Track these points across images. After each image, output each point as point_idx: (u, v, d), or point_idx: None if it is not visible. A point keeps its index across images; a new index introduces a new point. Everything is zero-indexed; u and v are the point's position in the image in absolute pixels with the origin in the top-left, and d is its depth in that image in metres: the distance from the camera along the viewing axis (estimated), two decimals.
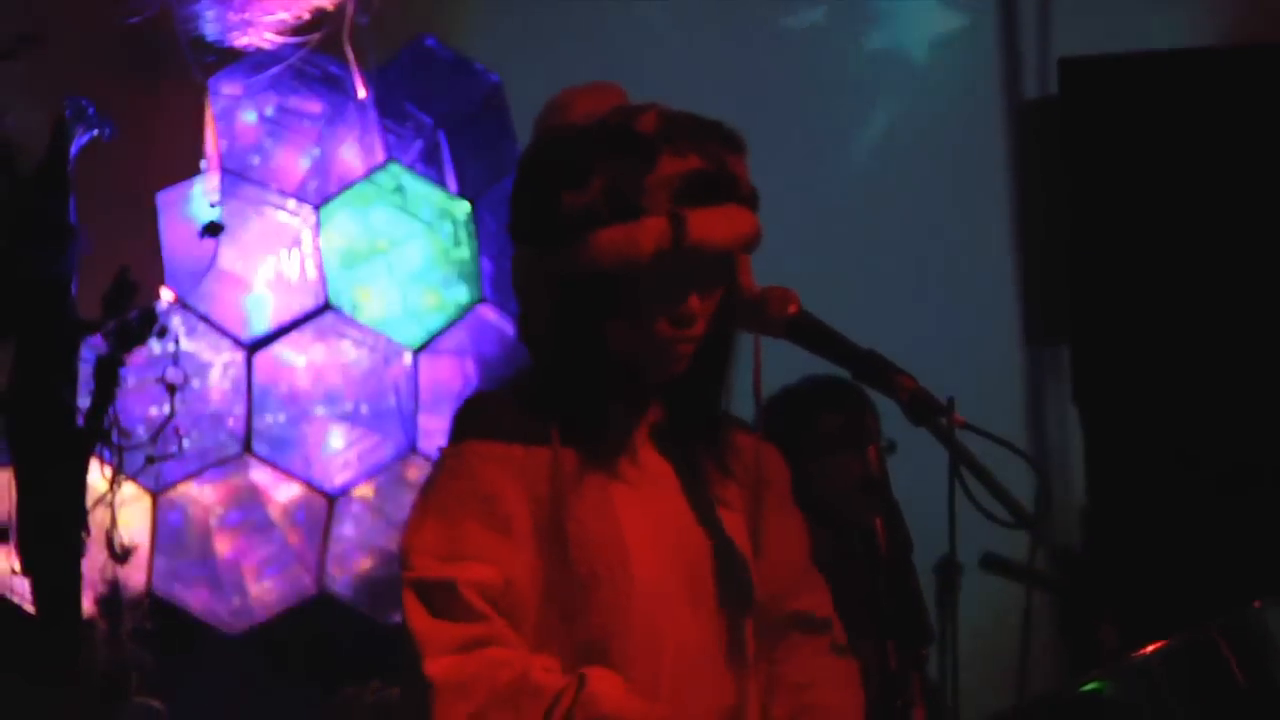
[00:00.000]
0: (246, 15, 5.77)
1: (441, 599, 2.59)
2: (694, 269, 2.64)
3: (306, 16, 5.77)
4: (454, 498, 2.67)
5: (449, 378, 5.87)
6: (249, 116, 5.91)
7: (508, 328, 5.76)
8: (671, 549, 2.73)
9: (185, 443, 5.49)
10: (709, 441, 2.81)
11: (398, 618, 5.52)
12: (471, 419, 2.74)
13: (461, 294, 5.85)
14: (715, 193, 2.65)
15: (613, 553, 2.68)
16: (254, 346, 5.67)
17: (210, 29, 5.83)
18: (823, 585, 2.87)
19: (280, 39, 5.83)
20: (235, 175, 5.82)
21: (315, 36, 5.84)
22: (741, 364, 2.81)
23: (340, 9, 5.83)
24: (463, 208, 5.88)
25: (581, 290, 2.65)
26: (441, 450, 2.76)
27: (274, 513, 5.76)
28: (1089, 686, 2.48)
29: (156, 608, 5.55)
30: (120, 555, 5.40)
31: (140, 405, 5.55)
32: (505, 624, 2.61)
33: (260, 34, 5.82)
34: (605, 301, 2.65)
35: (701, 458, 2.81)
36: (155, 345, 5.50)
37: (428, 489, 2.72)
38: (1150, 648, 2.48)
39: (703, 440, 2.81)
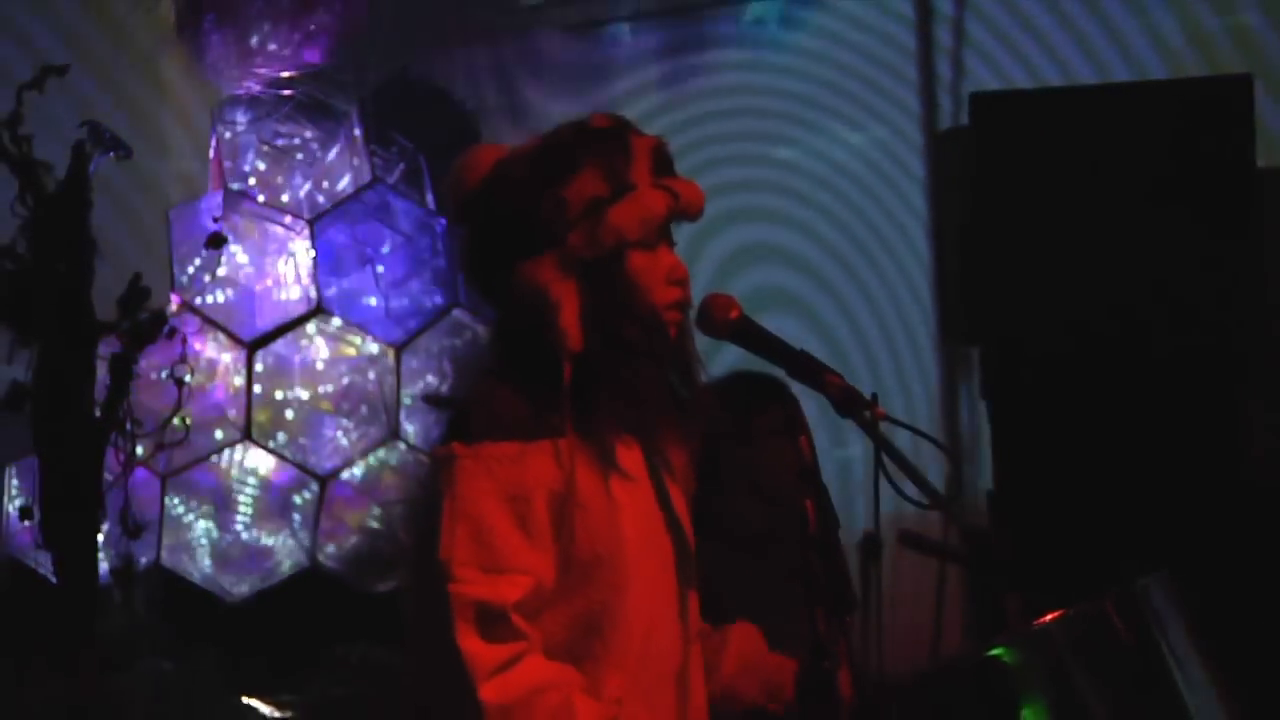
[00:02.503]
0: (250, 52, 5.76)
1: (490, 621, 2.50)
2: (665, 233, 2.67)
3: (303, 54, 5.77)
4: (482, 502, 2.56)
5: (427, 374, 5.85)
6: (250, 141, 5.92)
7: (479, 329, 5.78)
8: (650, 531, 2.69)
9: (191, 431, 5.47)
10: (674, 421, 2.75)
11: (381, 587, 5.59)
12: (482, 418, 2.61)
13: (438, 298, 5.86)
14: (672, 165, 2.69)
15: (612, 536, 2.63)
16: (254, 345, 5.67)
17: (217, 64, 5.83)
18: None
19: (279, 73, 5.84)
20: (238, 193, 5.81)
21: (311, 71, 5.86)
22: None
23: (335, 46, 5.85)
24: (440, 222, 5.87)
25: (601, 271, 2.60)
26: (450, 447, 2.60)
27: (270, 493, 5.76)
28: (995, 651, 2.47)
29: (165, 578, 5.55)
30: (132, 532, 5.38)
31: (151, 398, 5.51)
32: (538, 633, 2.55)
33: (262, 69, 5.82)
34: (620, 274, 2.62)
35: (667, 442, 2.75)
36: (165, 344, 5.47)
37: (450, 492, 2.57)
38: (1050, 616, 2.48)
39: (668, 421, 2.74)
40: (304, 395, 5.80)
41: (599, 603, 2.62)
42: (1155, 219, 4.98)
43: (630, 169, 2.63)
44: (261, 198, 5.86)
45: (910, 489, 2.50)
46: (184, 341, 5.51)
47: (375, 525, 5.78)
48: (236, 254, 5.83)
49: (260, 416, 5.67)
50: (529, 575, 2.55)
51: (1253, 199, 4.94)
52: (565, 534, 2.59)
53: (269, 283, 5.86)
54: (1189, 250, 4.95)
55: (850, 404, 2.52)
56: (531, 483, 2.57)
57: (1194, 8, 5.51)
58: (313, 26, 5.72)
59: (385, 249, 5.89)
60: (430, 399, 5.68)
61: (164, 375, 5.50)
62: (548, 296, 2.60)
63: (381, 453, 5.73)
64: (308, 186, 5.93)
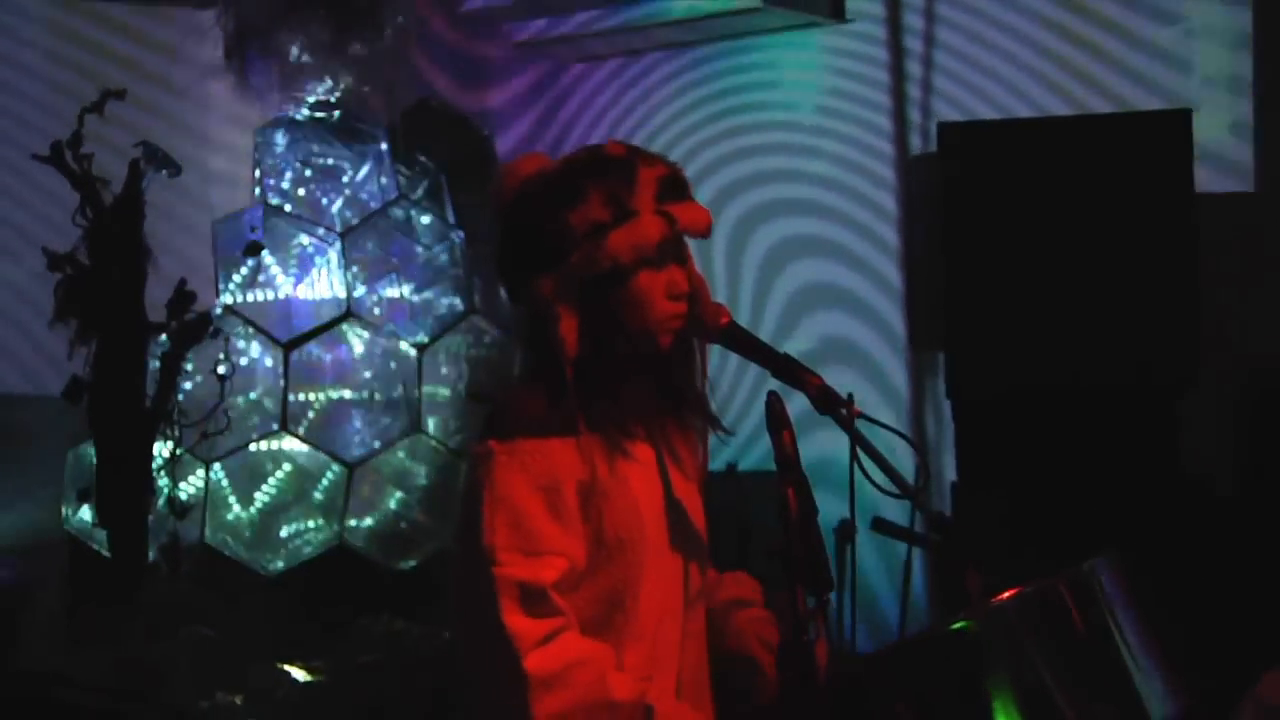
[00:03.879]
0: (290, 79, 5.75)
1: (532, 598, 2.52)
2: (671, 252, 2.65)
3: (336, 81, 5.76)
4: (518, 492, 2.57)
5: (447, 373, 5.85)
6: (289, 160, 5.90)
7: (495, 332, 5.78)
8: (661, 514, 2.70)
9: (232, 422, 5.48)
10: (677, 416, 2.76)
11: (402, 564, 5.59)
12: (515, 418, 2.63)
13: (457, 304, 5.85)
14: (681, 191, 2.68)
15: (633, 520, 2.64)
16: (289, 345, 5.65)
17: (260, 89, 5.81)
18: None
19: (316, 99, 5.83)
20: (276, 207, 5.82)
21: (344, 97, 5.85)
22: None
23: (364, 76, 5.83)
24: (459, 235, 5.87)
25: (601, 287, 2.61)
26: (488, 444, 2.62)
27: (304, 479, 5.75)
28: (957, 625, 2.45)
29: (208, 554, 5.55)
30: (179, 512, 5.38)
31: (197, 391, 5.53)
32: (571, 609, 2.56)
33: (300, 94, 5.81)
34: (616, 291, 2.62)
35: (671, 434, 2.76)
36: (209, 342, 5.48)
37: (489, 484, 2.58)
38: (1007, 594, 2.45)
39: (676, 417, 2.76)
40: (334, 391, 5.78)
41: (621, 580, 2.63)
42: (1105, 239, 5.00)
43: (633, 197, 2.62)
44: (296, 211, 5.85)
45: (882, 479, 2.51)
46: (226, 340, 5.52)
47: (397, 508, 5.79)
48: (274, 262, 5.83)
49: (295, 409, 5.66)
50: (563, 557, 2.56)
51: (1191, 221, 4.97)
52: (593, 519, 2.61)
53: (304, 288, 5.85)
54: (1135, 267, 4.97)
55: (828, 403, 2.52)
56: (561, 474, 2.58)
57: (1143, 47, 5.52)
58: (347, 56, 5.72)
59: (409, 259, 5.89)
60: (474, 395, 5.67)
61: (209, 371, 5.49)
62: (550, 309, 2.61)
63: (405, 443, 5.71)
64: (340, 201, 5.92)
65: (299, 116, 5.82)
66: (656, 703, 2.54)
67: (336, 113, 5.83)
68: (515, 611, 2.51)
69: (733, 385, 5.57)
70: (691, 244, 2.71)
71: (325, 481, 5.70)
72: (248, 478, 5.71)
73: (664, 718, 2.53)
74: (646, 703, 2.53)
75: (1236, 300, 5.14)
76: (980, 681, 2.39)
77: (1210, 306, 4.96)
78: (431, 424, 5.74)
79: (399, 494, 5.78)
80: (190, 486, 5.56)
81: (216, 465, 5.60)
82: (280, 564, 5.60)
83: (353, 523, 5.65)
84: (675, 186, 2.68)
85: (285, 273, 5.85)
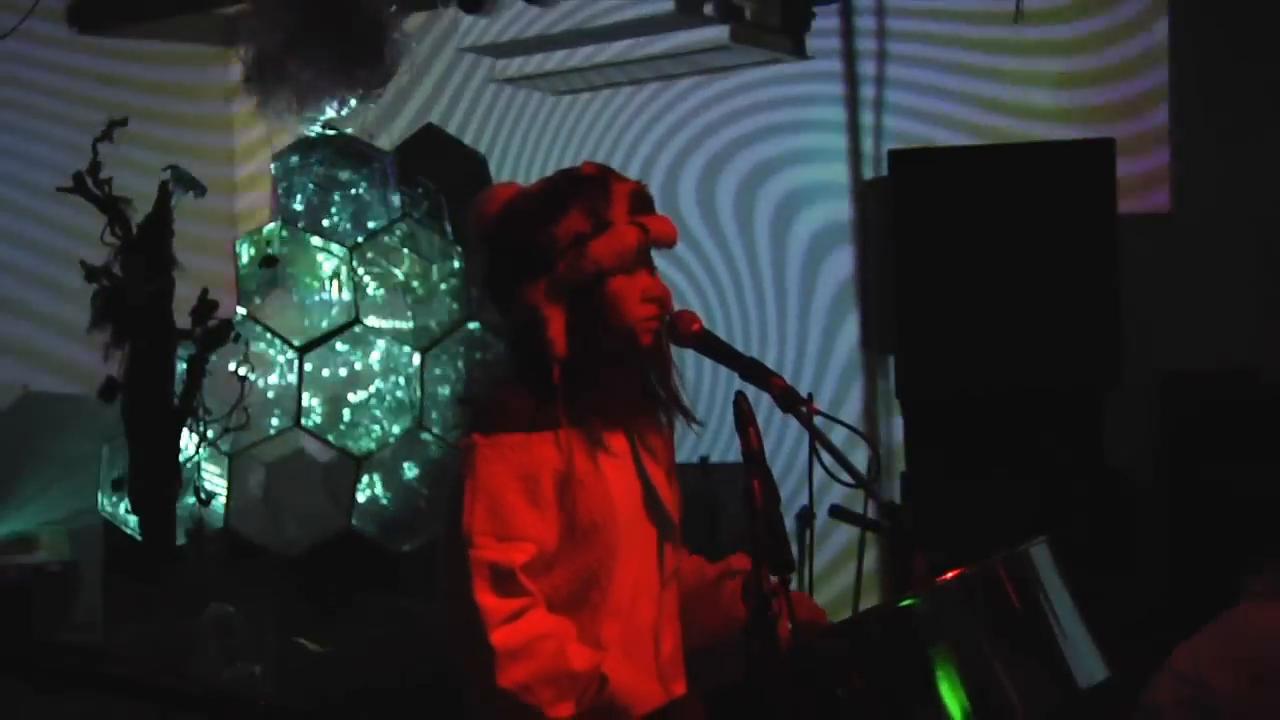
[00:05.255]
0: (304, 104, 5.74)
1: (501, 579, 2.53)
2: (643, 260, 2.67)
3: (345, 111, 5.76)
4: (498, 482, 2.59)
5: (446, 375, 5.85)
6: (303, 180, 5.88)
7: (489, 337, 5.77)
8: (634, 500, 2.72)
9: (251, 418, 5.47)
10: (651, 412, 2.78)
11: (405, 547, 5.57)
12: (499, 415, 2.65)
13: (457, 313, 5.84)
14: (650, 205, 2.72)
15: (606, 506, 2.65)
16: (304, 349, 5.64)
17: (277, 113, 5.80)
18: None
19: (328, 122, 5.83)
20: (291, 224, 5.81)
21: (352, 123, 5.85)
22: None
23: (370, 104, 5.84)
24: (457, 250, 5.87)
25: (584, 293, 2.63)
26: (472, 438, 2.63)
27: (316, 470, 5.74)
28: (906, 602, 2.47)
29: (230, 538, 5.54)
30: (204, 500, 5.38)
31: (219, 391, 5.50)
32: (539, 590, 2.58)
33: (314, 118, 5.80)
34: (601, 294, 2.64)
35: (646, 428, 2.77)
36: (231, 346, 5.48)
37: (473, 474, 2.60)
38: (951, 574, 2.46)
39: (650, 413, 2.77)
40: (344, 390, 5.77)
41: (596, 560, 2.65)
42: (1038, 255, 5.01)
43: (609, 209, 2.65)
44: (310, 226, 5.84)
45: (839, 471, 2.51)
46: (246, 345, 5.51)
47: (401, 497, 5.77)
48: (290, 273, 5.82)
49: (308, 407, 5.66)
50: (534, 543, 2.58)
51: (1113, 241, 5.00)
52: (569, 506, 2.63)
53: (317, 297, 5.84)
54: (1064, 281, 5.00)
55: (790, 401, 2.52)
56: (539, 465, 2.60)
57: (1071, 82, 5.56)
58: (354, 80, 5.69)
59: (411, 271, 5.88)
60: (461, 400, 5.65)
61: (230, 372, 5.48)
62: (539, 313, 2.64)
63: (408, 437, 5.70)
64: (349, 218, 5.91)
65: (312, 133, 5.82)
66: (611, 672, 2.56)
67: (348, 129, 5.82)
68: (486, 590, 2.53)
69: (704, 385, 5.57)
70: (667, 255, 2.74)
71: (336, 474, 5.68)
72: (266, 469, 5.69)
73: (617, 685, 2.55)
74: (602, 672, 2.55)
75: (1153, 312, 5.18)
76: (926, 652, 2.40)
77: (1130, 317, 5.00)
78: (434, 420, 5.72)
79: (402, 483, 5.76)
80: (213, 476, 5.55)
81: (237, 458, 5.57)
82: (295, 547, 5.59)
83: (360, 510, 5.64)
84: (644, 201, 2.72)
85: (299, 282, 5.85)
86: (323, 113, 5.75)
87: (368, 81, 5.70)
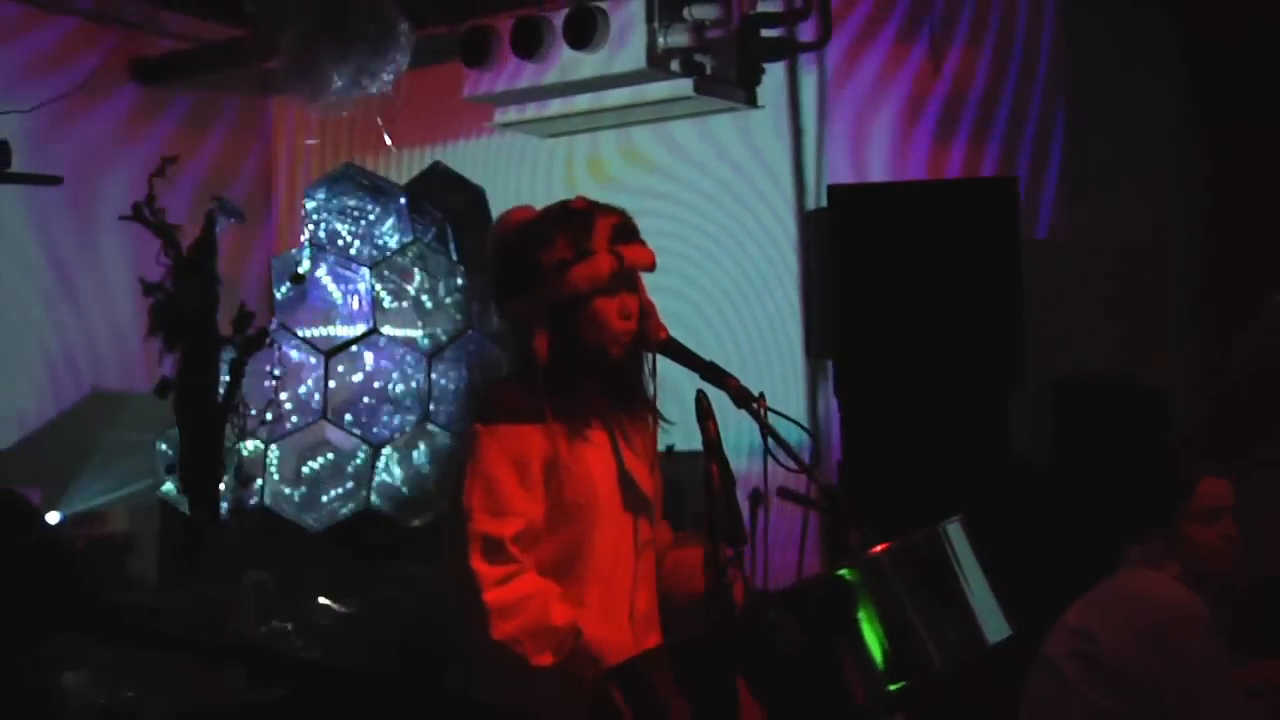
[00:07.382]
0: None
1: (493, 548, 2.54)
2: (623, 282, 2.67)
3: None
4: (494, 465, 2.58)
5: (450, 375, 5.86)
6: (329, 210, 5.88)
7: (488, 345, 5.77)
8: (613, 482, 2.71)
9: (284, 413, 5.49)
10: (630, 408, 2.77)
11: (416, 522, 5.55)
12: (498, 405, 2.64)
13: (460, 323, 5.84)
14: (631, 235, 2.70)
15: (588, 488, 2.66)
16: (329, 353, 5.65)
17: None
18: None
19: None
20: (318, 246, 5.81)
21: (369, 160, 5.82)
22: None
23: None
24: (460, 269, 5.88)
25: (564, 310, 2.64)
26: (474, 427, 2.63)
27: (340, 457, 5.74)
28: (841, 571, 2.46)
29: (267, 515, 5.55)
30: (244, 482, 5.38)
31: (257, 389, 5.53)
32: (529, 559, 2.59)
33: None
34: (578, 312, 2.65)
35: (624, 421, 2.77)
36: (266, 351, 5.49)
37: (473, 457, 2.60)
38: (880, 548, 2.46)
39: (626, 409, 2.77)
40: (364, 389, 5.77)
41: (580, 533, 2.66)
42: (954, 274, 5.01)
43: (591, 239, 2.64)
44: (334, 249, 5.85)
45: (786, 458, 2.53)
46: (280, 350, 5.53)
47: (413, 479, 5.78)
48: (317, 289, 5.83)
49: (333, 403, 5.66)
50: (524, 518, 2.59)
51: (1016, 262, 5.01)
52: (555, 487, 2.63)
53: (340, 310, 5.84)
54: (976, 296, 5.00)
55: (744, 398, 2.54)
56: (530, 452, 2.61)
57: (982, 128, 5.57)
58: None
59: (421, 287, 5.88)
60: (470, 397, 5.64)
61: (266, 373, 5.52)
62: (526, 327, 2.66)
63: (417, 429, 5.71)
64: (368, 242, 5.91)
65: (335, 175, 5.79)
66: (586, 627, 2.57)
67: (366, 176, 5.79)
68: (479, 558, 2.54)
69: (670, 384, 5.57)
70: (646, 276, 2.73)
71: (357, 459, 5.71)
72: (297, 456, 5.69)
73: (590, 638, 2.56)
74: (578, 627, 2.56)
75: (1052, 322, 5.20)
76: (856, 612, 2.41)
77: (1032, 327, 5.01)
78: (440, 414, 5.73)
79: (413, 468, 5.77)
80: (251, 462, 5.54)
81: (272, 446, 5.60)
82: (321, 522, 5.60)
83: (378, 491, 5.64)
84: (626, 231, 2.70)
85: (326, 297, 5.84)
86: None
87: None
